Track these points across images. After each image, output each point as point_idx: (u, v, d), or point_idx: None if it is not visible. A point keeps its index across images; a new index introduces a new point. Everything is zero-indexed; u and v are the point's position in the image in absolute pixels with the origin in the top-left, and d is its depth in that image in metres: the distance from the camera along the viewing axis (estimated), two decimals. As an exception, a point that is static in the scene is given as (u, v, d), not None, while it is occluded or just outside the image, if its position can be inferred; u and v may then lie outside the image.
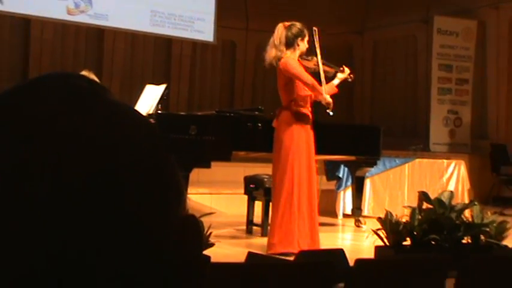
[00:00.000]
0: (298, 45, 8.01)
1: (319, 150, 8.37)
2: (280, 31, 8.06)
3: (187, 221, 0.85)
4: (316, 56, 8.27)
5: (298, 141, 7.90)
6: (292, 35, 8.00)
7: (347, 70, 8.44)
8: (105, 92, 0.85)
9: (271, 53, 8.08)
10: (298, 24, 8.12)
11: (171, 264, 0.82)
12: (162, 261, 0.81)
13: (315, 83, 8.08)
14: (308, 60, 8.23)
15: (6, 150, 0.77)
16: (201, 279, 0.88)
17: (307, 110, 8.04)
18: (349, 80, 8.53)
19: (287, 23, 8.12)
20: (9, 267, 0.76)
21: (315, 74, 8.21)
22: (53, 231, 0.76)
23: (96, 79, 9.06)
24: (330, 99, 8.12)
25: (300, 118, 7.95)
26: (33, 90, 0.83)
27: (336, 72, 8.43)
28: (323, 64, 8.31)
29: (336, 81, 8.33)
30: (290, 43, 7.97)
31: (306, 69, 8.15)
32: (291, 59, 7.98)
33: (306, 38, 8.10)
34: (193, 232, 0.86)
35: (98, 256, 0.77)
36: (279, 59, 7.98)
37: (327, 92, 8.14)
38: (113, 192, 0.78)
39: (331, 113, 8.20)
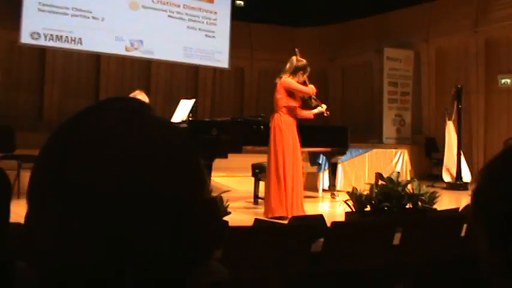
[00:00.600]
0: (299, 75, 8.11)
1: (305, 144, 8.42)
2: (293, 61, 8.17)
3: (210, 201, 0.86)
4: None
5: (287, 137, 7.96)
6: (298, 67, 8.11)
7: (325, 106, 8.54)
8: (149, 110, 0.88)
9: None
10: (304, 61, 8.22)
11: (199, 230, 0.83)
12: (193, 228, 0.82)
13: (311, 91, 8.26)
14: None
15: (76, 154, 0.78)
16: (220, 239, 0.89)
17: (294, 116, 8.08)
18: (325, 115, 8.60)
19: (299, 58, 8.23)
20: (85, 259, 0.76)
21: (303, 99, 8.31)
22: (114, 220, 0.76)
23: (146, 96, 9.15)
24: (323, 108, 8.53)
25: (288, 121, 8.00)
26: (99, 110, 0.85)
27: (318, 105, 8.49)
28: (312, 98, 8.41)
29: (315, 111, 8.45)
30: (295, 72, 8.10)
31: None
32: (290, 79, 8.06)
33: (307, 74, 8.17)
34: (214, 208, 0.87)
35: (149, 232, 0.77)
36: (280, 78, 8.06)
37: (304, 115, 8.42)
38: (156, 186, 0.78)
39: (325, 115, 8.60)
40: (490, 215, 1.03)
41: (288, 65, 8.16)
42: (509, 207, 1.00)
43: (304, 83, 8.24)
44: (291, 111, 8.07)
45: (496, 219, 1.02)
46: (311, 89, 8.25)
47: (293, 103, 8.07)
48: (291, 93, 8.06)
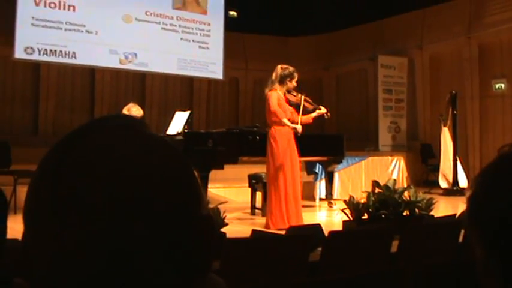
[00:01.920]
0: (286, 83, 8.04)
1: (301, 154, 8.35)
2: (277, 70, 8.08)
3: (206, 217, 0.85)
4: (302, 94, 8.30)
5: (283, 149, 7.94)
6: (284, 75, 8.03)
7: (324, 109, 8.51)
8: (144, 127, 0.87)
9: (267, 86, 8.14)
10: (290, 68, 8.15)
11: (196, 245, 0.83)
12: (190, 244, 0.82)
13: (283, 119, 7.98)
14: (293, 95, 8.24)
15: (77, 167, 0.78)
16: (217, 252, 0.89)
17: (287, 128, 8.01)
18: (326, 116, 8.57)
19: (284, 66, 8.16)
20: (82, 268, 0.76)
21: (296, 106, 8.24)
22: (111, 233, 0.76)
23: (140, 109, 9.10)
24: (299, 128, 8.12)
25: (283, 132, 7.95)
26: (94, 128, 0.85)
27: (315, 109, 8.45)
28: (305, 101, 8.31)
29: (313, 114, 8.38)
30: (282, 81, 8.02)
31: (288, 101, 8.18)
32: (274, 95, 7.98)
33: (295, 79, 8.10)
34: (210, 224, 0.86)
35: (143, 244, 0.77)
36: (269, 91, 8.02)
37: (302, 121, 8.20)
38: (152, 202, 0.78)
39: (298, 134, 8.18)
40: (484, 224, 1.04)
41: (273, 75, 8.10)
42: (503, 216, 1.01)
43: (294, 89, 8.24)
44: (283, 124, 8.00)
45: (491, 228, 1.02)
46: (281, 114, 7.97)
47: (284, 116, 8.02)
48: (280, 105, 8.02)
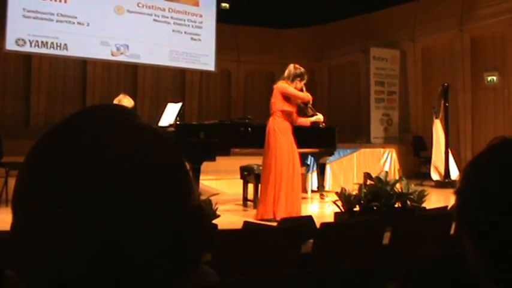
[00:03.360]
0: (296, 83, 8.18)
1: (294, 146, 8.40)
2: (290, 68, 8.28)
3: (197, 207, 0.85)
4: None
5: (281, 141, 8.01)
6: (295, 74, 8.19)
7: (321, 117, 8.86)
8: (135, 116, 0.86)
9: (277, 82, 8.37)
10: (302, 69, 8.34)
11: (187, 236, 0.82)
12: (181, 234, 0.81)
13: (306, 97, 8.42)
14: None
15: (70, 154, 0.77)
16: (209, 244, 0.88)
17: (289, 120, 8.14)
18: (320, 125, 8.79)
19: (297, 66, 8.36)
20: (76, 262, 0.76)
21: (298, 108, 8.55)
22: (104, 224, 0.76)
23: (131, 100, 9.10)
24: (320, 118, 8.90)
25: (282, 125, 8.03)
26: (85, 117, 0.85)
27: (314, 114, 8.67)
28: (308, 107, 8.57)
29: (312, 119, 8.68)
30: (293, 79, 8.12)
31: None
32: (287, 84, 8.18)
33: (304, 81, 8.21)
34: (201, 215, 0.86)
35: (134, 239, 0.77)
36: (279, 84, 8.16)
37: (301, 122, 8.66)
38: (143, 193, 0.78)
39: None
40: (473, 223, 1.03)
41: (286, 72, 8.28)
42: (491, 211, 1.00)
43: (301, 90, 8.31)
44: (286, 115, 8.13)
45: (480, 227, 1.02)
46: (306, 95, 8.38)
47: (288, 107, 8.13)
48: (287, 98, 8.13)
